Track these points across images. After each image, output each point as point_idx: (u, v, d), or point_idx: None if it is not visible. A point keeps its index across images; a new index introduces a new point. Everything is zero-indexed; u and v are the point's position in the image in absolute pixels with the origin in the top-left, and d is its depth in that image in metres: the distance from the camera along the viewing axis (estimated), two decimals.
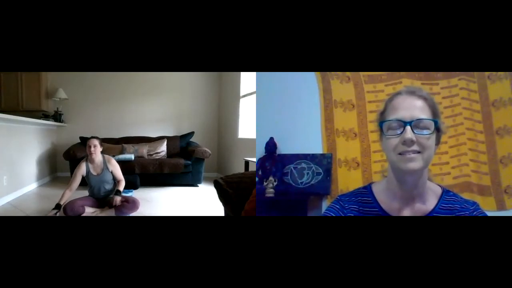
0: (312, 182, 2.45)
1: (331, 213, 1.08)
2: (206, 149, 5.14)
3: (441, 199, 0.99)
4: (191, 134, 5.76)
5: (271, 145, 2.50)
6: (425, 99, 0.93)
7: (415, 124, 0.89)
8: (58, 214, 3.05)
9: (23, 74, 5.36)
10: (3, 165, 3.68)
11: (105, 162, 3.32)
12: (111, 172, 3.33)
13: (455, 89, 2.27)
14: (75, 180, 3.27)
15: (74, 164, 4.83)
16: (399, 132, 0.89)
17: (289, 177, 2.50)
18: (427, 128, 0.89)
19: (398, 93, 0.95)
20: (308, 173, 2.46)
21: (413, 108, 0.90)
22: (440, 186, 1.04)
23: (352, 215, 1.03)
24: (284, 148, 2.53)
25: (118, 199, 3.18)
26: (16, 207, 3.58)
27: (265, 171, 2.49)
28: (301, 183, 2.47)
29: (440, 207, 0.98)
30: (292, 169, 2.50)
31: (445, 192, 1.01)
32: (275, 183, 2.45)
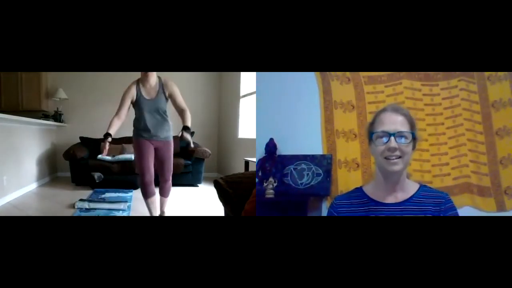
0: (312, 183, 2.44)
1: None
2: (206, 149, 5.14)
3: (419, 189, 1.22)
4: (191, 134, 5.75)
5: (271, 146, 2.49)
6: (405, 115, 1.18)
7: (397, 135, 1.14)
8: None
9: (23, 74, 5.36)
10: (3, 165, 3.68)
11: (161, 85, 2.68)
12: (169, 98, 2.70)
13: (455, 90, 2.26)
14: (124, 106, 2.66)
15: (74, 164, 4.85)
16: (385, 141, 1.15)
17: (289, 178, 2.50)
18: (406, 138, 1.14)
19: (384, 110, 1.20)
20: (308, 174, 2.46)
21: (396, 122, 1.16)
22: (418, 182, 1.26)
23: (341, 208, 1.23)
24: (284, 149, 2.52)
25: (188, 136, 2.61)
26: (16, 207, 3.58)
27: (265, 172, 2.48)
28: (301, 184, 2.47)
29: (419, 193, 1.20)
30: (292, 170, 2.50)
31: (423, 185, 1.24)
32: (275, 184, 2.44)
